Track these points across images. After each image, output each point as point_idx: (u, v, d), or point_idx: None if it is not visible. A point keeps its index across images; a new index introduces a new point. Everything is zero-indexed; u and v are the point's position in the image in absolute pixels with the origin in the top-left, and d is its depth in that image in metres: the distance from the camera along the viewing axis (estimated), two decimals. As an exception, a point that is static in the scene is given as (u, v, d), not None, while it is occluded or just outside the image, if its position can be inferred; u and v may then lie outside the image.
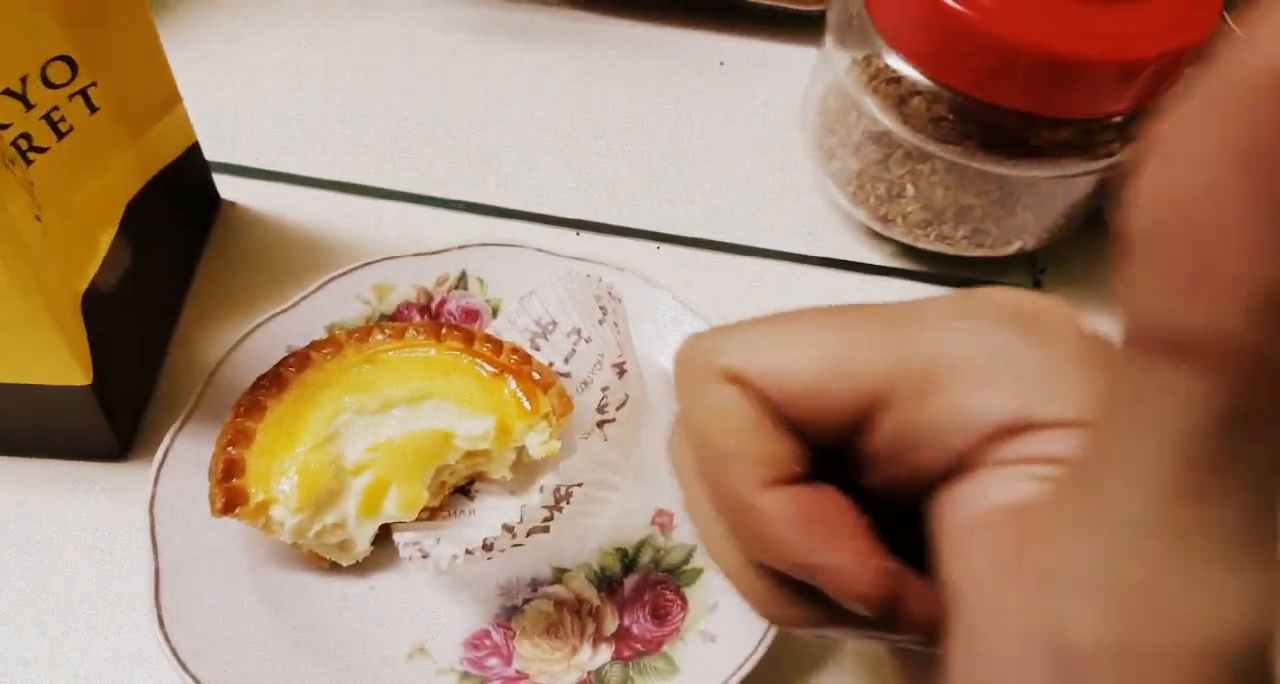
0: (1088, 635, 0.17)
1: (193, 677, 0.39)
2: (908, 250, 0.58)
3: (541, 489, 0.37)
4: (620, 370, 0.38)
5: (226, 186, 0.57)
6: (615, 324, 0.41)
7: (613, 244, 0.58)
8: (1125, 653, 0.17)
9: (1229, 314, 0.14)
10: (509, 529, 0.37)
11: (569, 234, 0.58)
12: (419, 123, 0.63)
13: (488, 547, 0.37)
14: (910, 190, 0.55)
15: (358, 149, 0.61)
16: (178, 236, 0.53)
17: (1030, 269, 0.59)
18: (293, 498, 0.40)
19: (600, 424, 0.37)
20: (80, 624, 0.42)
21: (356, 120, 0.63)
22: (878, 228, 0.58)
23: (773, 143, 0.63)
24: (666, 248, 0.58)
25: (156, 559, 0.41)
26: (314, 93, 0.64)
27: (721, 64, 0.68)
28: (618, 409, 0.38)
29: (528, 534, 0.38)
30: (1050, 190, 0.53)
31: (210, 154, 0.54)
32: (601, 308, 0.42)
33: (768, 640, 0.40)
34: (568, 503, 0.38)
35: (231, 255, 0.55)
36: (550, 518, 0.38)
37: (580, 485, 0.38)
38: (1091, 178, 0.53)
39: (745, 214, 0.60)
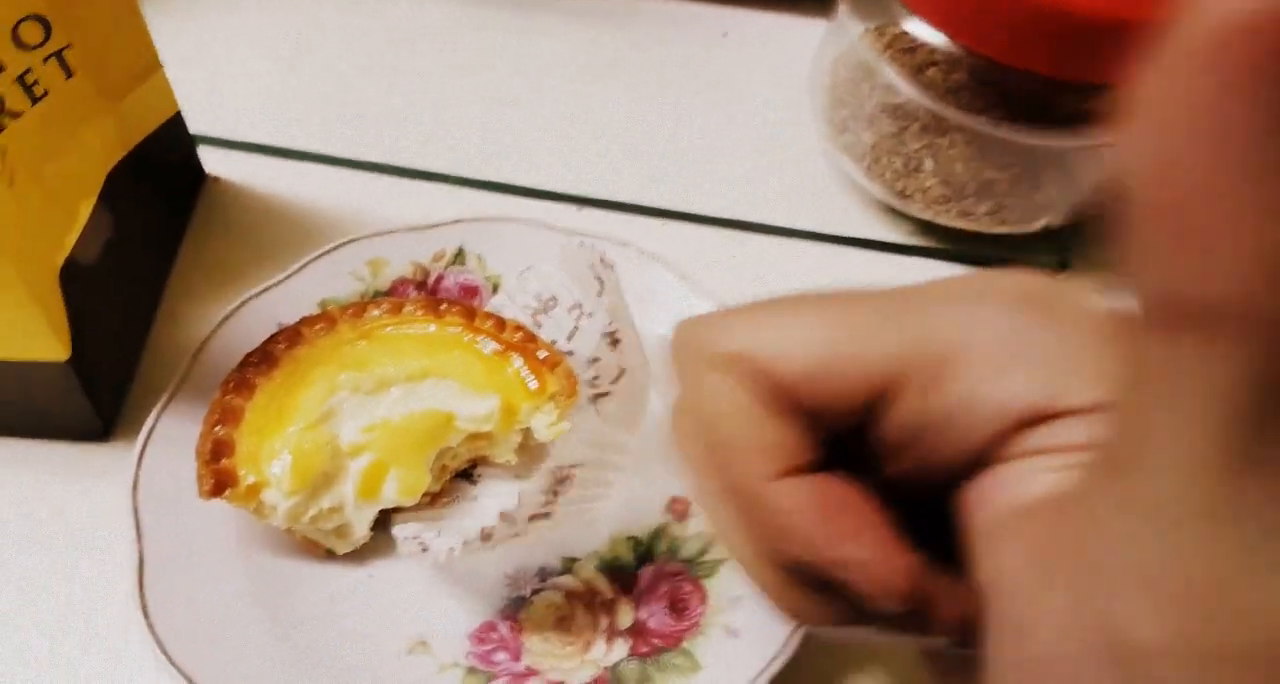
0: (1152, 634, 0.16)
1: (180, 670, 0.36)
2: (927, 227, 0.56)
3: (541, 473, 0.35)
4: (613, 340, 0.36)
5: (212, 160, 0.55)
6: (611, 294, 0.38)
7: (615, 220, 0.55)
8: (1196, 653, 0.16)
9: (1243, 278, 0.13)
10: (507, 517, 0.35)
11: (570, 210, 0.55)
12: (413, 94, 0.60)
13: (486, 537, 0.35)
14: (929, 164, 0.53)
15: (349, 121, 0.59)
16: (161, 210, 0.51)
17: (1057, 248, 0.56)
18: (286, 480, 0.38)
19: (594, 398, 0.35)
20: (59, 615, 0.40)
21: (347, 92, 0.60)
22: (895, 204, 0.55)
23: (781, 116, 0.61)
24: (671, 224, 0.55)
25: (141, 545, 0.38)
26: (303, 63, 0.61)
27: (725, 35, 0.65)
28: (612, 383, 0.35)
29: (529, 521, 0.36)
30: (1077, 163, 0.51)
31: (194, 126, 0.52)
32: (598, 278, 0.40)
33: (797, 636, 0.38)
34: (568, 487, 0.35)
35: (217, 230, 0.52)
36: (550, 503, 0.35)
37: (580, 467, 0.35)
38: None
39: (753, 190, 0.57)
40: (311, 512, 0.38)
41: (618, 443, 0.37)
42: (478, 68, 0.62)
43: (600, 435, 0.36)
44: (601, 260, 0.38)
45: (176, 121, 0.50)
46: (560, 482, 0.35)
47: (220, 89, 0.59)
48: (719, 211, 0.56)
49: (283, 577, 0.39)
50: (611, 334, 0.35)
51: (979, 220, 0.54)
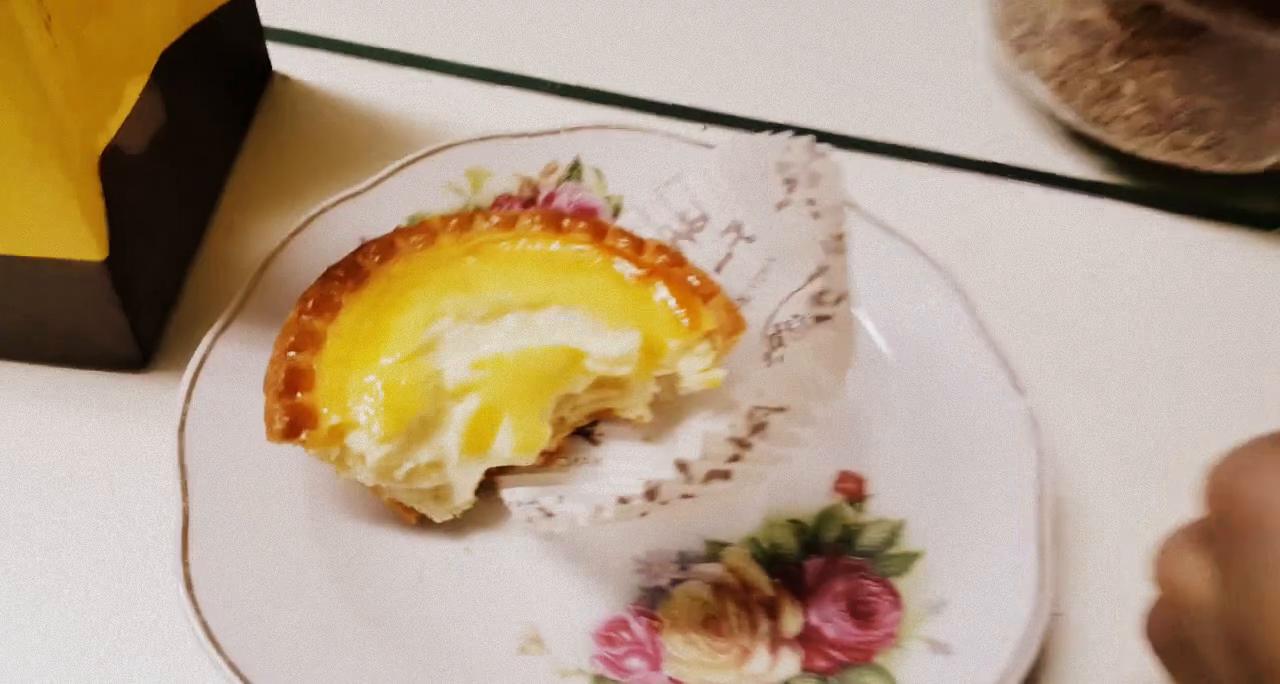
0: None
1: (227, 660, 0.28)
2: (1126, 162, 0.47)
3: (733, 413, 0.26)
4: (838, 248, 0.27)
5: (280, 57, 0.48)
6: (811, 200, 0.29)
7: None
8: None
9: None
10: (684, 468, 0.26)
11: (694, 129, 0.47)
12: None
13: (651, 494, 0.26)
14: (1130, 87, 0.44)
15: (439, 18, 0.50)
16: (221, 104, 0.44)
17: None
18: (378, 423, 0.30)
19: (818, 320, 0.26)
20: (87, 583, 0.32)
21: None
22: (1091, 131, 0.46)
23: (949, 29, 0.52)
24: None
25: (186, 501, 0.31)
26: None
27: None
28: (836, 303, 0.27)
29: (705, 479, 0.27)
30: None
31: (265, 18, 0.45)
32: (789, 180, 0.31)
33: (1027, 657, 0.29)
34: (763, 437, 0.27)
35: (284, 135, 0.45)
36: (738, 457, 0.26)
37: (782, 412, 0.26)
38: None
39: (917, 112, 0.49)
40: (407, 465, 0.30)
41: (826, 388, 0.28)
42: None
43: (810, 376, 0.27)
44: (810, 150, 0.30)
45: (245, 3, 0.43)
46: (757, 429, 0.26)
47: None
48: (875, 134, 0.47)
49: (362, 548, 0.32)
50: (839, 239, 0.26)
51: (1192, 155, 0.45)
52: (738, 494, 0.30)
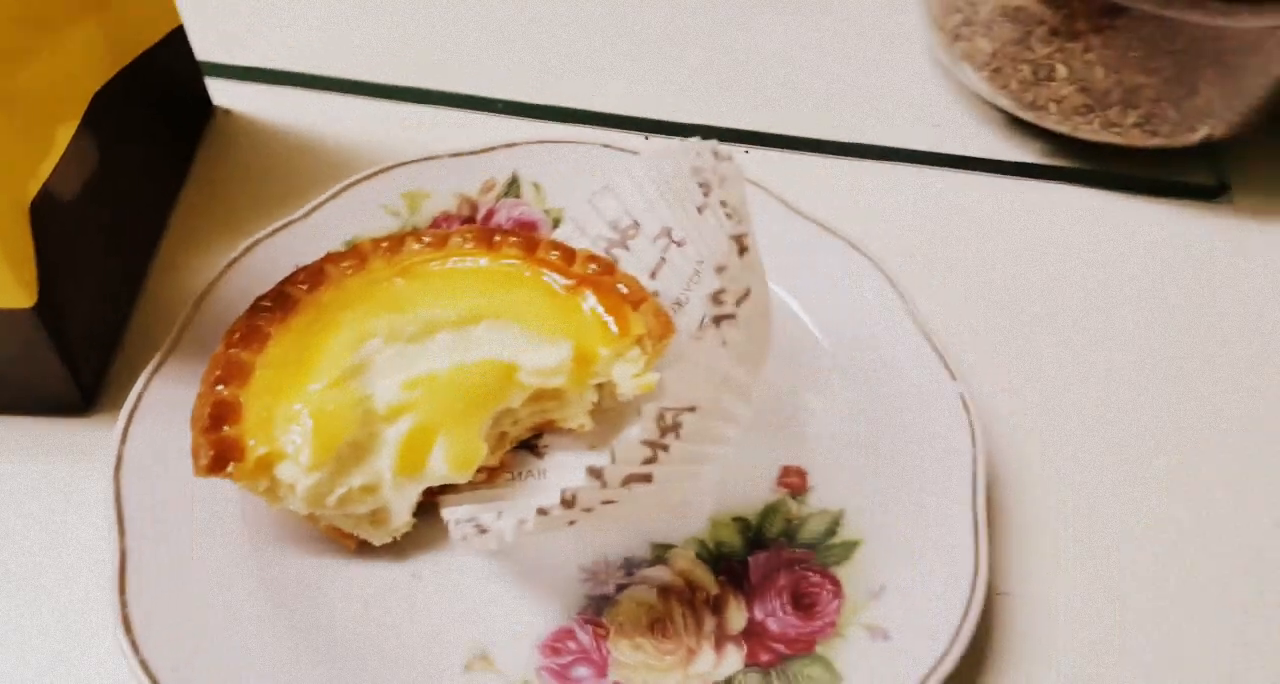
0: None
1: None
2: (1063, 144, 0.47)
3: (640, 418, 0.26)
4: (740, 247, 0.27)
5: (221, 91, 0.48)
6: (723, 203, 0.30)
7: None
8: None
9: None
10: (596, 474, 0.26)
11: (632, 138, 0.47)
12: (446, 10, 0.53)
13: (568, 503, 0.27)
14: (1062, 71, 0.44)
15: (376, 44, 0.51)
16: (159, 144, 0.44)
17: (1215, 167, 0.47)
18: (306, 451, 0.30)
19: (717, 321, 0.26)
20: (23, 629, 0.32)
21: (374, 11, 0.52)
22: (1027, 116, 0.46)
23: (887, 24, 0.52)
24: (769, 152, 0.47)
25: (123, 541, 0.31)
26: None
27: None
28: (738, 303, 0.27)
29: (623, 483, 0.27)
30: (1239, 59, 0.42)
31: (201, 54, 0.45)
32: (702, 184, 0.31)
33: (964, 637, 0.29)
34: (677, 437, 0.27)
35: (227, 170, 0.45)
36: (654, 459, 0.27)
37: (693, 411, 0.27)
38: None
39: (858, 108, 0.49)
40: (339, 491, 0.30)
41: (740, 385, 0.28)
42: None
43: (722, 372, 0.27)
44: (715, 153, 0.30)
45: (178, 38, 0.43)
46: (668, 430, 0.26)
47: (231, 8, 0.51)
48: (822, 135, 0.47)
49: (304, 578, 0.32)
50: (739, 238, 0.27)
51: (1127, 133, 0.45)
52: (671, 495, 0.30)
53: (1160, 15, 0.41)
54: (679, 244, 0.36)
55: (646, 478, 0.27)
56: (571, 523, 0.28)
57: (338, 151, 0.46)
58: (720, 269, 0.26)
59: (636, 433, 0.26)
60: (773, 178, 0.41)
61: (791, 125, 0.48)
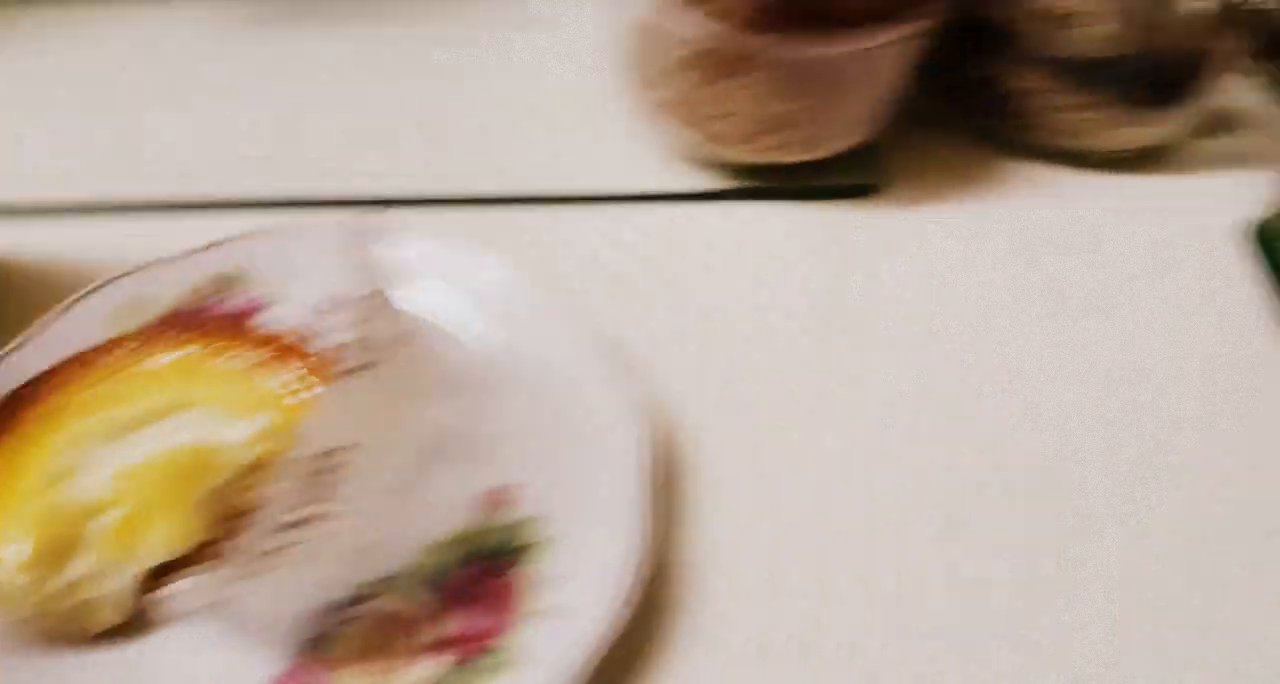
0: None
1: None
2: (742, 169, 0.53)
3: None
4: (376, 303, 0.31)
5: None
6: (366, 266, 0.34)
7: (425, 218, 0.51)
8: None
9: None
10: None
11: (342, 215, 0.50)
12: (154, 118, 0.56)
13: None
14: (726, 106, 0.50)
15: (78, 161, 0.53)
16: None
17: (866, 169, 0.53)
18: (22, 551, 0.32)
19: (354, 370, 0.30)
20: None
21: (49, 132, 0.55)
22: (710, 149, 0.52)
23: (595, 77, 0.57)
24: (490, 211, 0.51)
25: None
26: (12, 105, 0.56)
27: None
28: (382, 350, 0.30)
29: (289, 528, 0.30)
30: (849, 78, 0.48)
31: None
32: (352, 252, 0.36)
33: (626, 610, 0.33)
34: (341, 477, 0.30)
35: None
36: (317, 503, 0.30)
37: (355, 450, 0.30)
38: (905, 48, 0.48)
39: (567, 161, 0.54)
40: (58, 584, 0.33)
41: (401, 421, 0.32)
42: (227, 83, 0.57)
43: (376, 409, 0.31)
44: (356, 218, 0.34)
45: None
46: (324, 472, 0.30)
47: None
48: (538, 190, 0.52)
49: (37, 677, 0.33)
50: (374, 295, 0.31)
51: (789, 151, 0.51)
52: (364, 531, 0.34)
53: (782, 56, 0.46)
54: (346, 311, 0.39)
55: (307, 521, 0.30)
56: (257, 576, 0.31)
57: (48, 278, 0.47)
58: (363, 321, 0.30)
59: (289, 482, 0.29)
60: (505, 235, 0.47)
61: (505, 184, 0.52)
